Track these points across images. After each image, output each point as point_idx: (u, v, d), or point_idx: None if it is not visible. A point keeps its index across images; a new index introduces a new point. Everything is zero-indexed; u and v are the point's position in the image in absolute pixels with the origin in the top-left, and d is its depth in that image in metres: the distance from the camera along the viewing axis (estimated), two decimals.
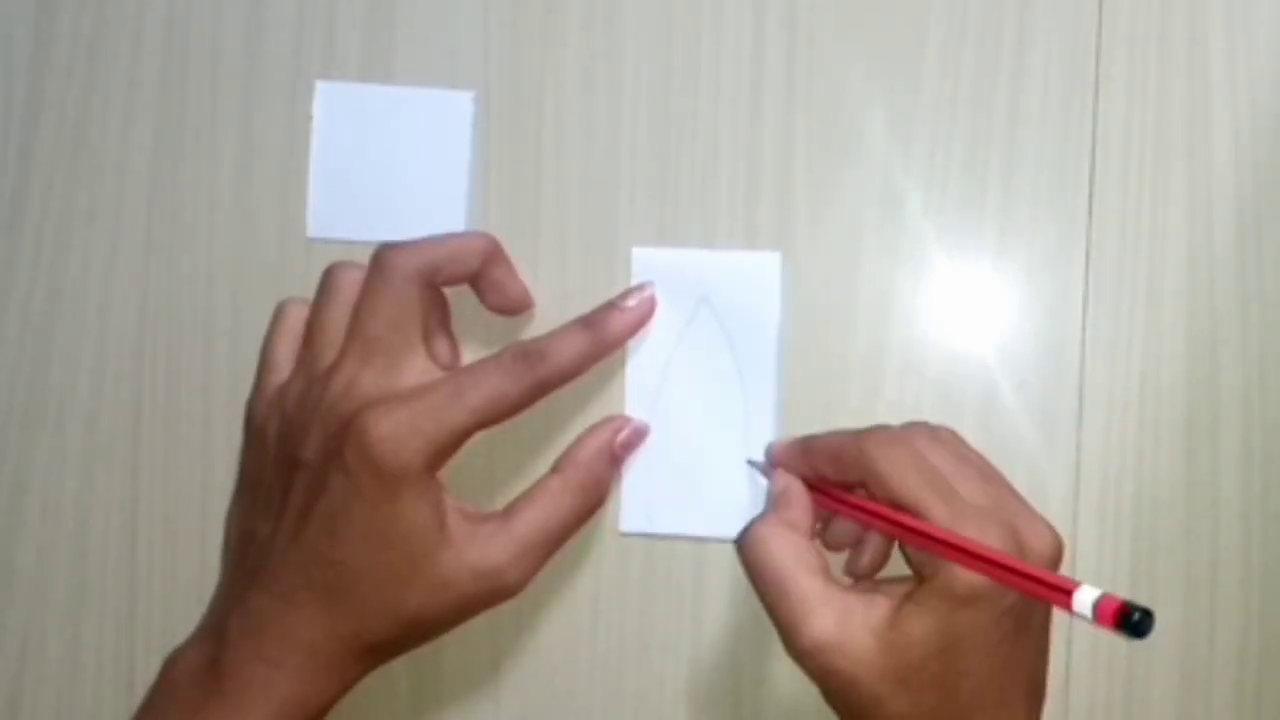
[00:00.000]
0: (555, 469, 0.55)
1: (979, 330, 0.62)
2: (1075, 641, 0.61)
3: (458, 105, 0.65)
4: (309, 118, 0.66)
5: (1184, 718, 0.60)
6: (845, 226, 0.62)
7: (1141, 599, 0.62)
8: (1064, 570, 0.61)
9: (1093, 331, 0.61)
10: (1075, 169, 0.62)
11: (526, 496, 0.53)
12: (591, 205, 0.64)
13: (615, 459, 0.56)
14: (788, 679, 0.62)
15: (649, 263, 0.60)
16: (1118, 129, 0.61)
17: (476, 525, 0.51)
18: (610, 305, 0.58)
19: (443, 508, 0.51)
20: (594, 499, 0.54)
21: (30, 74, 0.67)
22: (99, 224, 0.66)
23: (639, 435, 0.58)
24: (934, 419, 0.59)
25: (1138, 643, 0.60)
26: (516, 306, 0.61)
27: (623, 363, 0.59)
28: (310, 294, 0.65)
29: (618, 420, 0.58)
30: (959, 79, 0.62)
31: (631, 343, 0.58)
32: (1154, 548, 0.61)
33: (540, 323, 0.64)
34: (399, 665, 0.53)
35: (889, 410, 0.61)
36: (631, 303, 0.57)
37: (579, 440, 0.56)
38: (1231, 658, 0.60)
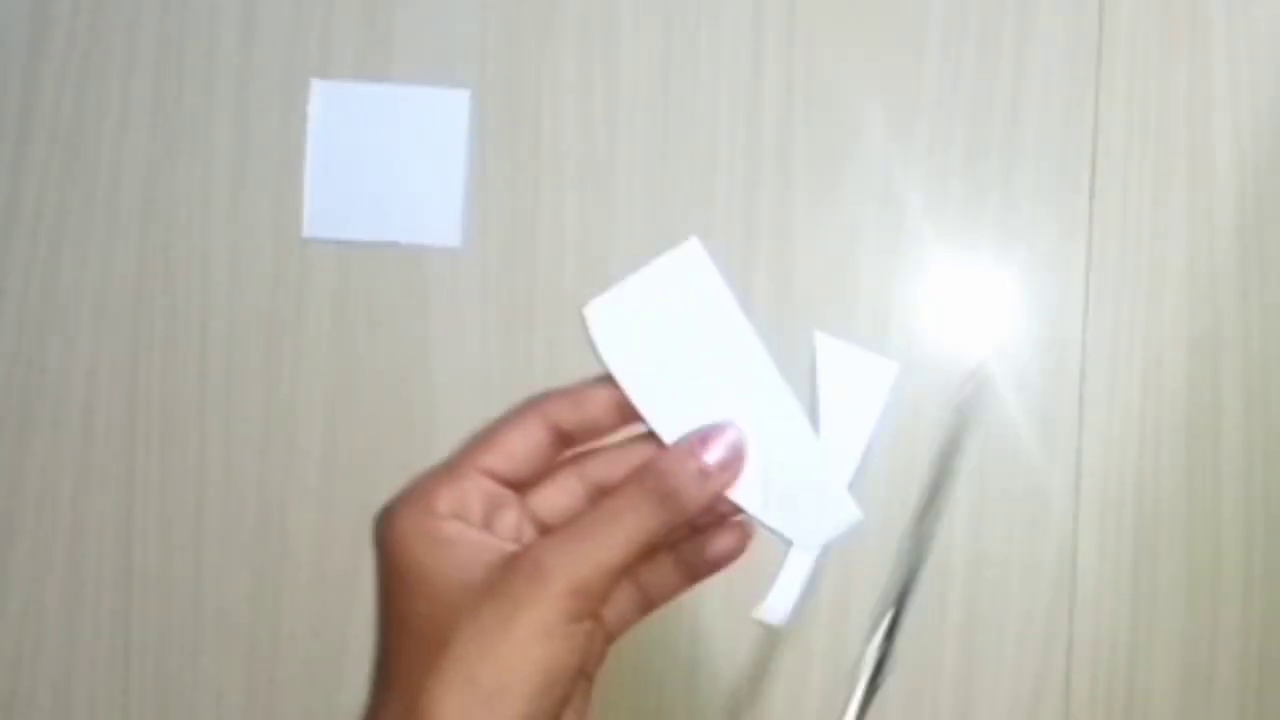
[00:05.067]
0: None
1: (979, 330, 0.62)
2: (1076, 641, 0.61)
3: (454, 104, 0.65)
4: (305, 116, 0.65)
5: (1184, 718, 0.60)
6: (845, 226, 0.62)
7: (1142, 599, 0.62)
8: (1064, 568, 0.61)
9: (1093, 332, 0.61)
10: (1075, 169, 0.62)
11: (576, 519, 0.43)
12: (588, 204, 0.64)
13: (704, 474, 0.44)
14: (787, 679, 0.62)
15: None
16: (1118, 129, 0.61)
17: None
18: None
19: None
20: (673, 512, 0.43)
21: (25, 75, 0.66)
22: (94, 224, 0.66)
23: (736, 455, 0.45)
24: (934, 419, 0.59)
25: (1139, 642, 0.61)
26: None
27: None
28: (306, 294, 0.65)
29: (706, 430, 0.45)
30: (959, 79, 0.62)
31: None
32: (1154, 548, 0.61)
33: (539, 322, 0.64)
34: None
35: (888, 410, 0.61)
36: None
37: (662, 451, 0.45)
38: (1233, 658, 0.60)
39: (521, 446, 0.44)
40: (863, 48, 0.63)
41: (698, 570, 0.47)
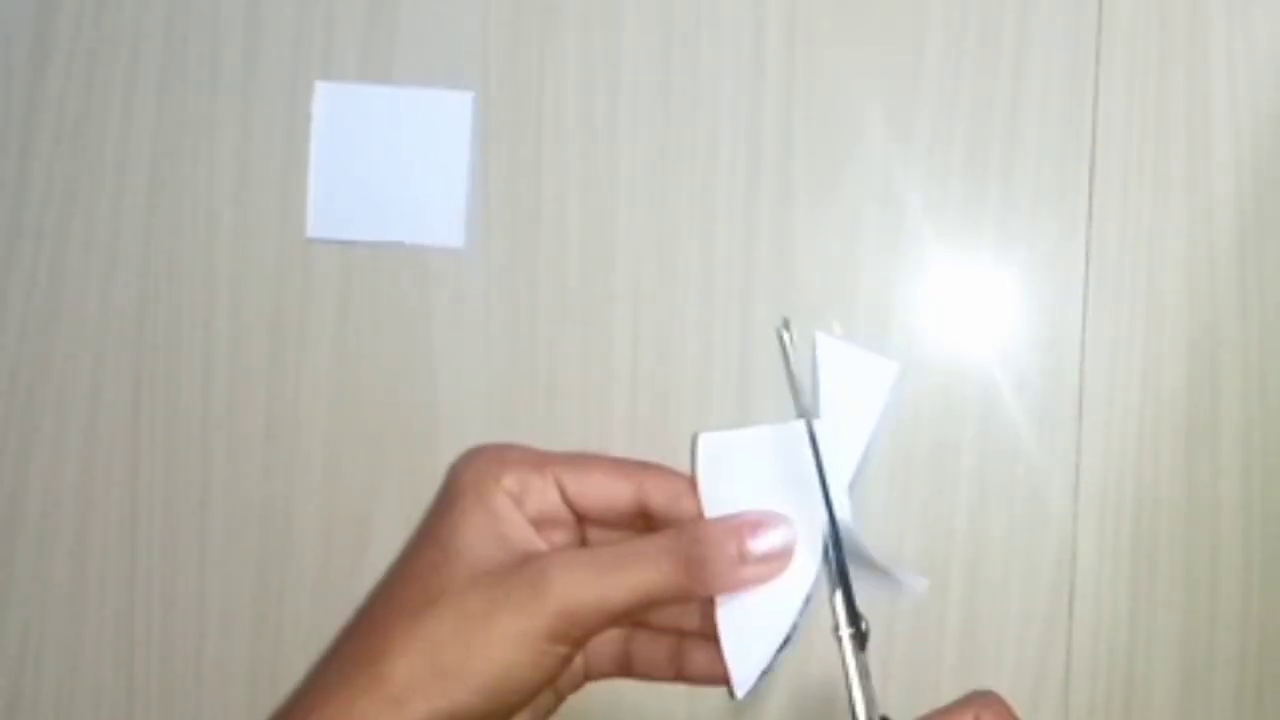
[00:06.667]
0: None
1: (979, 330, 0.62)
2: (1075, 641, 0.61)
3: (457, 106, 0.65)
4: (308, 118, 0.65)
5: (1184, 718, 0.60)
6: (845, 226, 0.62)
7: (1141, 598, 0.62)
8: (1064, 568, 0.61)
9: (1093, 331, 0.61)
10: (1075, 169, 0.62)
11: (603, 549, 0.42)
12: (590, 205, 0.64)
13: (741, 557, 0.42)
14: (788, 680, 0.62)
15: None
16: (1118, 129, 0.61)
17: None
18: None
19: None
20: (694, 581, 0.41)
21: (30, 74, 0.67)
22: (98, 224, 0.66)
23: (782, 554, 0.43)
24: (935, 420, 0.59)
25: (1138, 642, 0.61)
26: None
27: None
28: (310, 294, 0.65)
29: (763, 516, 0.43)
30: (959, 79, 0.62)
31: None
32: (1154, 547, 0.61)
33: (542, 323, 0.64)
34: None
35: (888, 410, 0.61)
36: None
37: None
38: (1232, 658, 0.60)
39: (601, 492, 0.44)
40: (863, 48, 0.63)
41: (689, 673, 0.45)
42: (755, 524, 0.42)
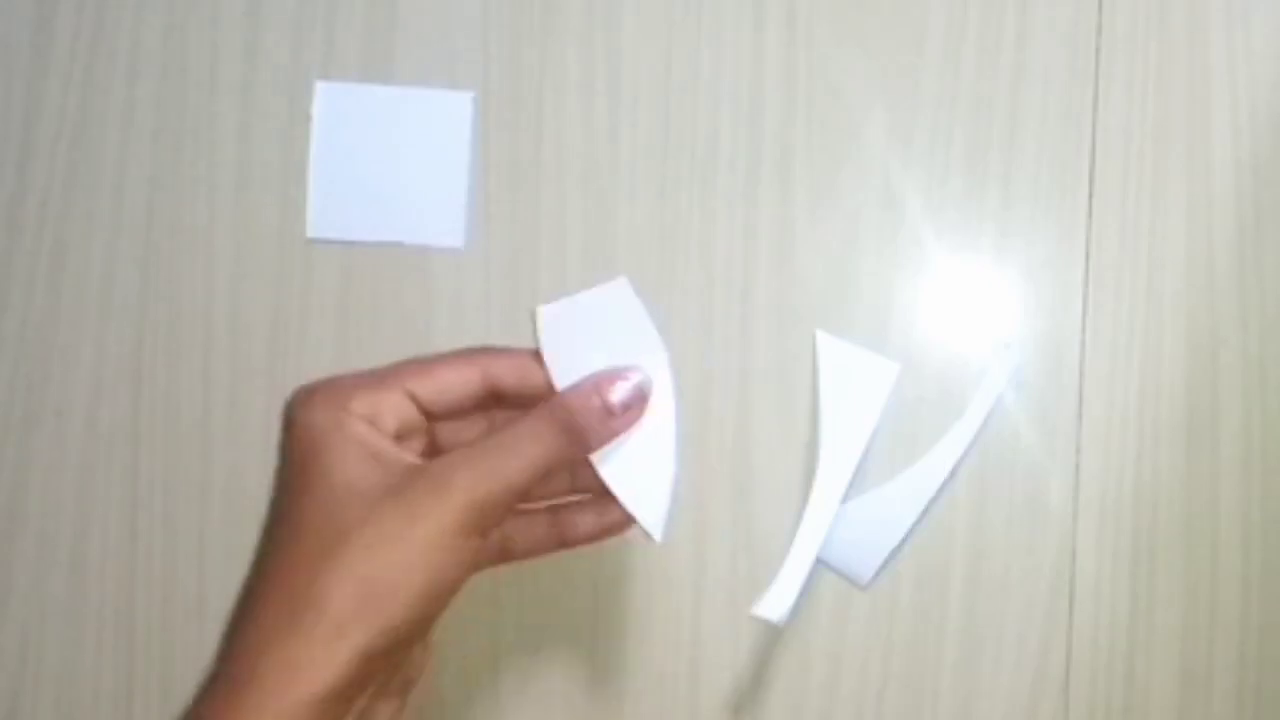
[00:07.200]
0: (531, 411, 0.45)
1: (979, 330, 0.62)
2: (1075, 641, 0.61)
3: (457, 106, 0.65)
4: (309, 118, 0.65)
5: (1184, 718, 0.60)
6: (845, 226, 0.63)
7: (1141, 598, 0.62)
8: (1064, 568, 0.61)
9: (1093, 331, 0.61)
10: (1075, 169, 0.62)
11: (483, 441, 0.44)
12: (591, 206, 0.64)
13: (609, 412, 0.46)
14: (787, 679, 0.62)
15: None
16: (1118, 129, 0.62)
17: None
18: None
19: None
20: (575, 444, 0.45)
21: (30, 75, 0.67)
22: (98, 224, 0.66)
23: (640, 397, 0.47)
24: (934, 419, 0.59)
25: (1138, 642, 0.61)
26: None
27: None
28: (310, 294, 0.65)
29: (612, 372, 0.46)
30: (959, 79, 0.62)
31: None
32: (1153, 547, 0.61)
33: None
34: None
35: (888, 409, 0.61)
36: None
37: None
38: (1231, 658, 0.60)
39: (454, 385, 0.46)
40: (863, 48, 0.63)
41: (572, 538, 0.48)
42: (611, 379, 0.46)
